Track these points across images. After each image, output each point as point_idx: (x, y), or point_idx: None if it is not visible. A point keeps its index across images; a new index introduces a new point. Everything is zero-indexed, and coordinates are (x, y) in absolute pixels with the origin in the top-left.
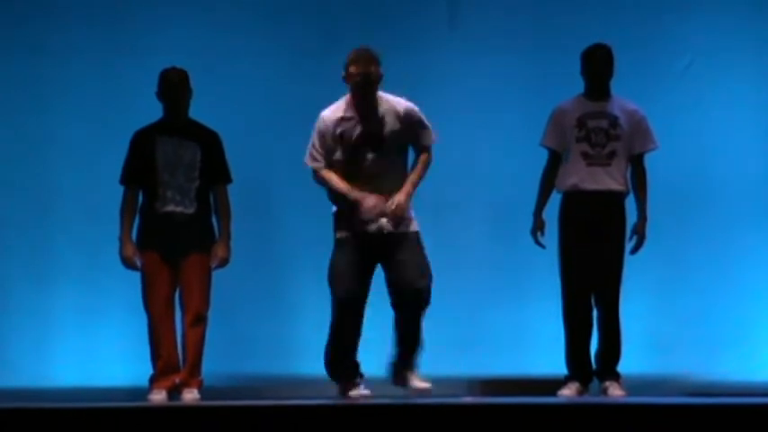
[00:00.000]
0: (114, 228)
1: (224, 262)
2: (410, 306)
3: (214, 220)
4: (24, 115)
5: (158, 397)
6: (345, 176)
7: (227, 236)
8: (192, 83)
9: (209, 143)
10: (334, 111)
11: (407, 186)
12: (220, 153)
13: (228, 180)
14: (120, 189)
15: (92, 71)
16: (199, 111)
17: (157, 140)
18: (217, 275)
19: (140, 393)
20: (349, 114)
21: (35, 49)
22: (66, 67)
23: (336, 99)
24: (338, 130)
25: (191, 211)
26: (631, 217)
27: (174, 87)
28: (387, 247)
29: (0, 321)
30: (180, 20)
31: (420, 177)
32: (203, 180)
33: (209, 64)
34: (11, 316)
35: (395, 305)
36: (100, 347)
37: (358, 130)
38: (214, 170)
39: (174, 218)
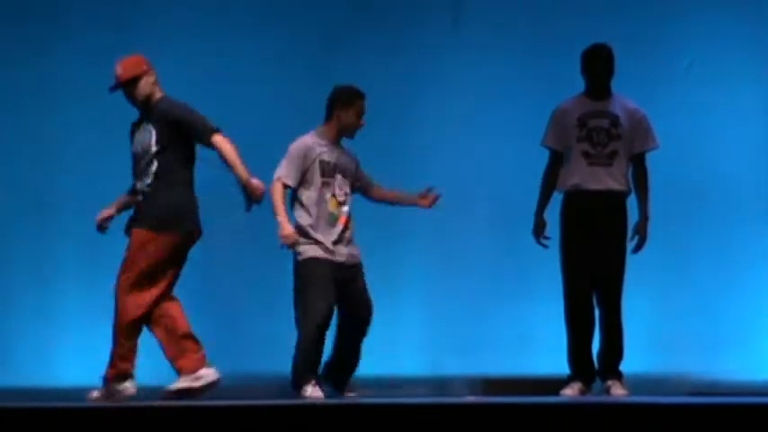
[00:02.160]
0: (118, 228)
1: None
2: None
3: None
4: (28, 117)
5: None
6: None
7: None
8: (194, 84)
9: (165, 113)
10: None
11: None
12: (184, 113)
13: (212, 132)
14: (121, 187)
15: (94, 72)
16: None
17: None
18: (217, 274)
19: (143, 393)
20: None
21: (37, 51)
22: (68, 68)
23: None
24: None
25: (148, 191)
26: (633, 216)
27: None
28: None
29: (3, 321)
30: (182, 22)
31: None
32: (161, 160)
33: (212, 65)
34: (14, 315)
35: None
36: (103, 347)
37: None
38: (191, 133)
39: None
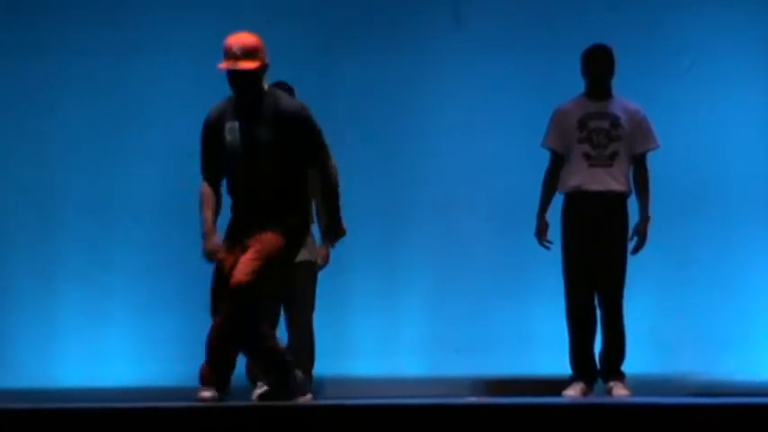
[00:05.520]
0: (118, 228)
1: None
2: None
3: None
4: (28, 115)
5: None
6: None
7: None
8: (195, 83)
9: None
10: None
11: None
12: None
13: None
14: (121, 186)
15: (94, 71)
16: (200, 112)
17: None
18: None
19: (145, 393)
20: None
21: (36, 49)
22: (67, 66)
23: (336, 98)
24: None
25: None
26: (634, 217)
27: None
28: None
29: (5, 322)
30: (181, 20)
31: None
32: None
33: (212, 64)
34: (15, 316)
35: None
36: (104, 348)
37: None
38: None
39: None
